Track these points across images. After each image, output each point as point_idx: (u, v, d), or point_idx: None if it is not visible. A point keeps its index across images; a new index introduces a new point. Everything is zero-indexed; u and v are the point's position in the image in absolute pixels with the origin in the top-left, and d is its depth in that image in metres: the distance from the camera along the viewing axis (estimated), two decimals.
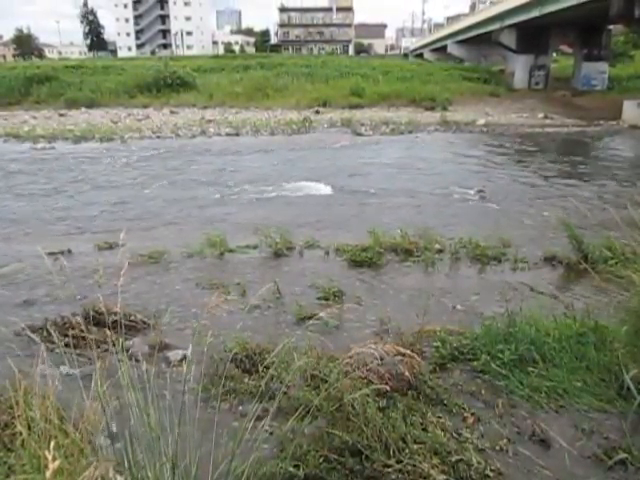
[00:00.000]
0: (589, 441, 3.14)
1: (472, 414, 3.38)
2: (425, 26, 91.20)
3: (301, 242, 7.47)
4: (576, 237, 6.46)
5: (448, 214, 9.60)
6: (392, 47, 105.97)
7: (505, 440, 3.14)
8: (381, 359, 3.66)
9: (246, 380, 3.75)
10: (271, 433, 3.10)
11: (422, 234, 7.33)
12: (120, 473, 2.22)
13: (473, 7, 70.03)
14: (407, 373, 3.06)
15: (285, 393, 3.26)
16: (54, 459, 1.63)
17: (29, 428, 2.25)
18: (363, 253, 6.76)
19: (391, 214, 9.53)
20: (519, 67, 37.68)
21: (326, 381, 3.29)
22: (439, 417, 3.28)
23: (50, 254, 6.89)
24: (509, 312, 4.29)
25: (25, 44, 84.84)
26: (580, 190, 11.75)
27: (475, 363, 3.91)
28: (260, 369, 3.73)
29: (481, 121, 26.69)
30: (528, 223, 8.87)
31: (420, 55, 65.64)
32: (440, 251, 7.03)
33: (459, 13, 71.34)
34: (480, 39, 43.96)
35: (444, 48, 54.04)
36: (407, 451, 2.87)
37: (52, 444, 1.73)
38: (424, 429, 3.10)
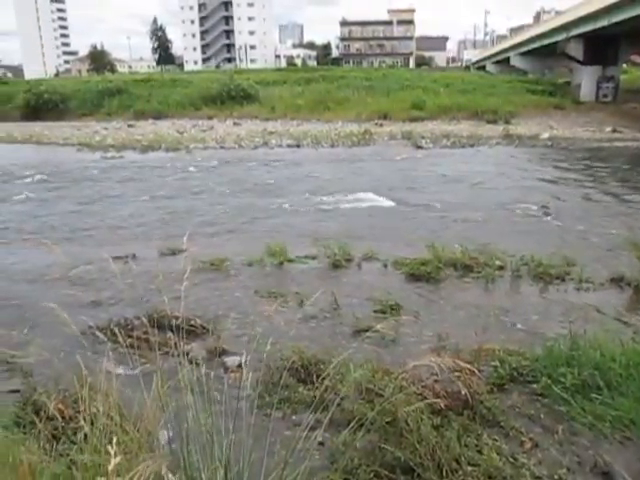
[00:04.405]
0: None
1: (530, 439, 3.26)
2: (487, 38, 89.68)
3: (360, 254, 7.45)
4: None
5: (510, 230, 9.34)
6: (453, 60, 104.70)
7: (564, 469, 3.00)
8: (437, 376, 3.60)
9: (300, 389, 3.77)
10: (323, 444, 3.10)
11: (482, 250, 7.16)
12: (173, 472, 2.26)
13: (537, 17, 68.31)
14: (464, 391, 2.99)
15: (339, 405, 3.25)
16: (116, 455, 1.70)
17: (92, 423, 2.34)
18: (422, 267, 6.67)
19: (451, 228, 9.39)
20: (586, 79, 36.31)
21: (381, 395, 3.26)
22: (495, 439, 3.18)
23: (116, 258, 7.21)
24: (572, 334, 4.12)
25: (99, 59, 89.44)
26: None
27: (535, 386, 3.77)
28: (315, 379, 3.74)
29: (545, 135, 25.91)
30: (594, 241, 8.50)
31: (482, 67, 64.51)
32: (501, 268, 6.83)
33: (522, 24, 69.66)
34: (544, 50, 42.70)
35: (507, 60, 52.87)
36: (460, 472, 2.80)
37: (114, 440, 1.80)
38: (479, 451, 3.01)
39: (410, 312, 5.45)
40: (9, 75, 79.69)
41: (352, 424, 2.58)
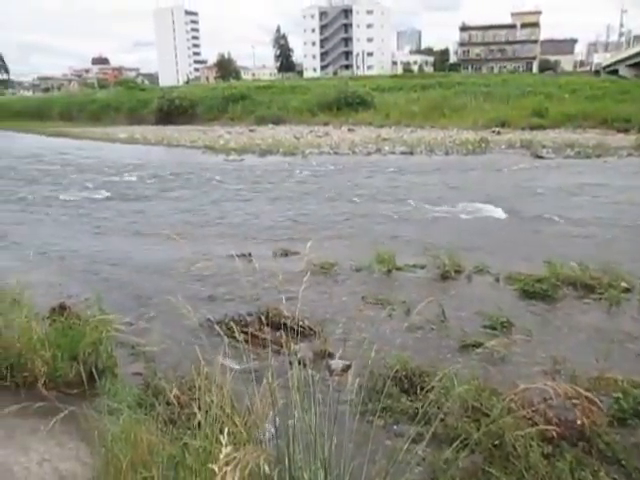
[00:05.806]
0: None
1: None
2: (622, 39, 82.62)
3: (470, 266, 7.24)
4: None
5: None
6: (582, 63, 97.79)
7: None
8: (551, 401, 3.40)
9: (403, 400, 3.75)
10: (424, 459, 3.05)
11: (606, 269, 6.63)
12: (274, 466, 2.32)
13: None
14: (581, 421, 2.80)
15: (442, 420, 3.18)
16: (227, 445, 1.80)
17: (206, 412, 2.49)
18: (537, 284, 6.33)
19: (570, 244, 8.79)
20: None
21: (487, 415, 3.14)
22: (615, 479, 2.93)
23: (233, 256, 7.62)
24: None
25: (225, 67, 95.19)
26: None
27: None
28: (418, 391, 3.69)
29: None
30: None
31: (614, 72, 59.68)
32: (627, 290, 6.28)
33: None
34: None
35: None
36: None
37: (225, 430, 1.91)
38: None
39: (522, 331, 5.20)
40: (146, 82, 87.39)
41: (456, 442, 2.52)
